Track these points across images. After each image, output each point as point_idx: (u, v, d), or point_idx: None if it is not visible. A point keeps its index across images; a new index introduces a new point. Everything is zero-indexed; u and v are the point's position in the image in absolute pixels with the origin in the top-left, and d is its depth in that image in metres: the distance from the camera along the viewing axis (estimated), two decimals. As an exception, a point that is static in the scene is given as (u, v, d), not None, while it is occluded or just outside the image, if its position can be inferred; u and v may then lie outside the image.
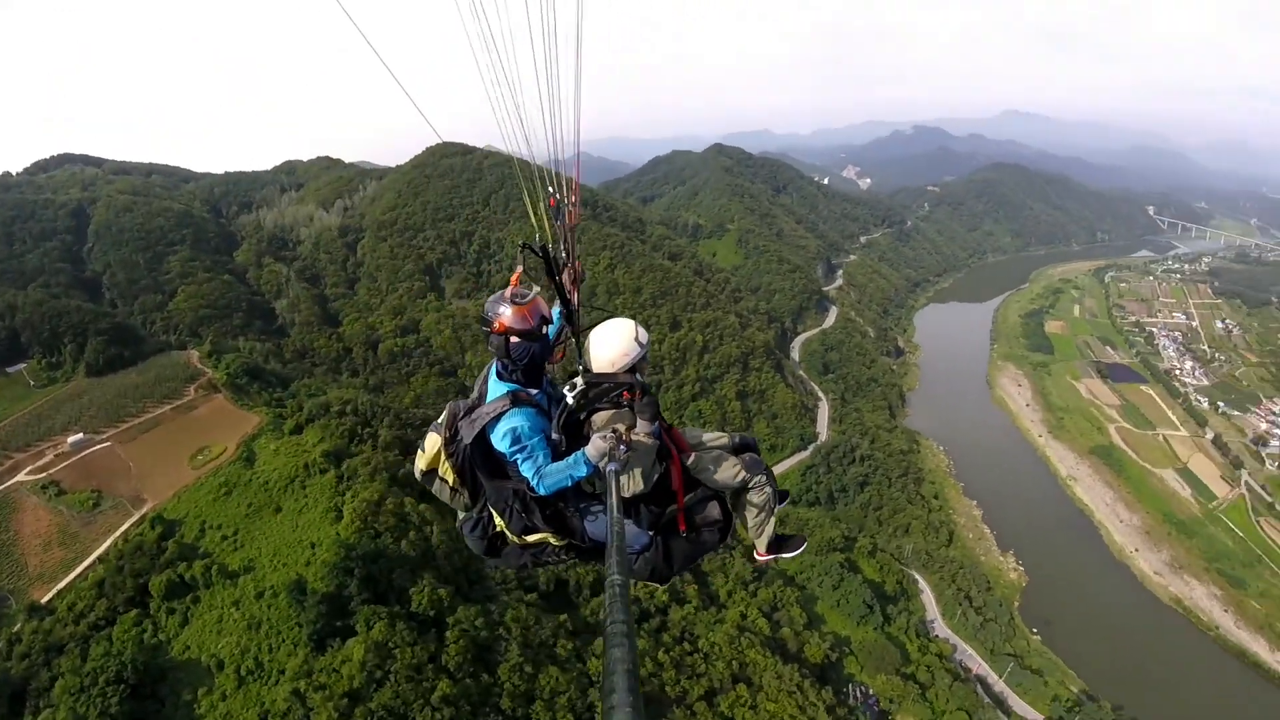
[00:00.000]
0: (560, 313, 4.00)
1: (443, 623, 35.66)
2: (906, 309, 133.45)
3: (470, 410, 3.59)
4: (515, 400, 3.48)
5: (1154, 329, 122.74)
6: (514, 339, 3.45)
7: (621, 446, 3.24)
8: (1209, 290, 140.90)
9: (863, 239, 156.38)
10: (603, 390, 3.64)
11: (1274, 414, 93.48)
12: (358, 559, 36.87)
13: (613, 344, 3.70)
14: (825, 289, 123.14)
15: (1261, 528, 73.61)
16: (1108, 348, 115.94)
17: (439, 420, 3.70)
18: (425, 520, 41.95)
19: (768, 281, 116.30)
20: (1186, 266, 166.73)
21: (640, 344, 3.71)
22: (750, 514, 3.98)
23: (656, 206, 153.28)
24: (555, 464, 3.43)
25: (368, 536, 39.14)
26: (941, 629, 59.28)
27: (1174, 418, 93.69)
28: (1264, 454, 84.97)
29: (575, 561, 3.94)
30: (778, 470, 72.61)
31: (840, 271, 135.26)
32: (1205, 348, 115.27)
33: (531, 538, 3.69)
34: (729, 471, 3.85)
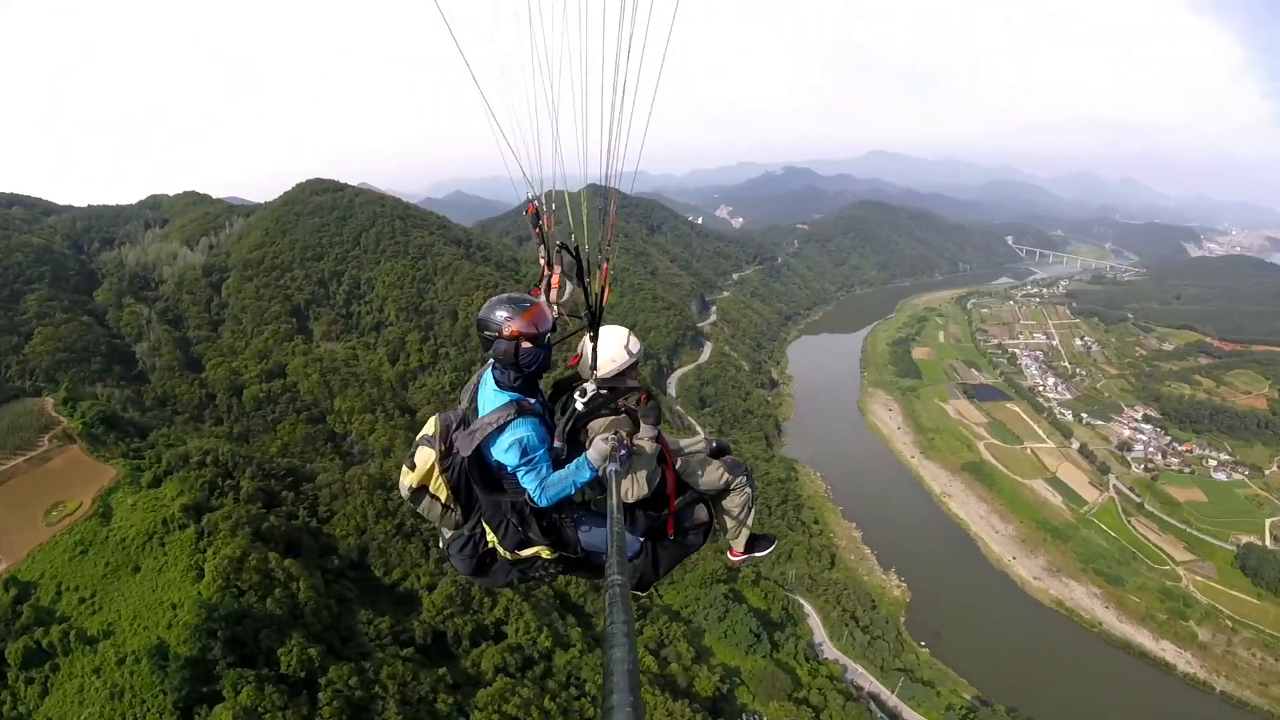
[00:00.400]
0: (585, 315, 3.99)
1: (314, 684, 34.65)
2: (779, 342, 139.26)
3: (462, 422, 3.56)
4: (520, 410, 3.41)
5: (1016, 350, 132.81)
6: (525, 345, 3.41)
7: (623, 450, 3.30)
8: (1067, 311, 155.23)
9: (735, 275, 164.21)
10: (606, 396, 3.70)
11: (1136, 421, 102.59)
12: (221, 619, 35.75)
13: (609, 350, 3.76)
14: (700, 325, 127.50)
15: (1133, 527, 79.37)
16: (973, 370, 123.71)
17: (428, 433, 3.64)
18: (291, 576, 40.60)
19: (643, 319, 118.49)
20: (1045, 290, 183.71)
21: (631, 352, 3.80)
22: (730, 515, 4.12)
23: (532, 246, 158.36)
24: (557, 473, 3.41)
25: (230, 595, 38.04)
26: (830, 651, 60.02)
27: (1040, 431, 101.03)
28: (1129, 458, 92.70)
29: (563, 574, 3.89)
30: (662, 507, 75.36)
31: (714, 307, 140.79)
32: (1066, 364, 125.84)
33: (526, 552, 3.65)
34: (714, 475, 3.96)
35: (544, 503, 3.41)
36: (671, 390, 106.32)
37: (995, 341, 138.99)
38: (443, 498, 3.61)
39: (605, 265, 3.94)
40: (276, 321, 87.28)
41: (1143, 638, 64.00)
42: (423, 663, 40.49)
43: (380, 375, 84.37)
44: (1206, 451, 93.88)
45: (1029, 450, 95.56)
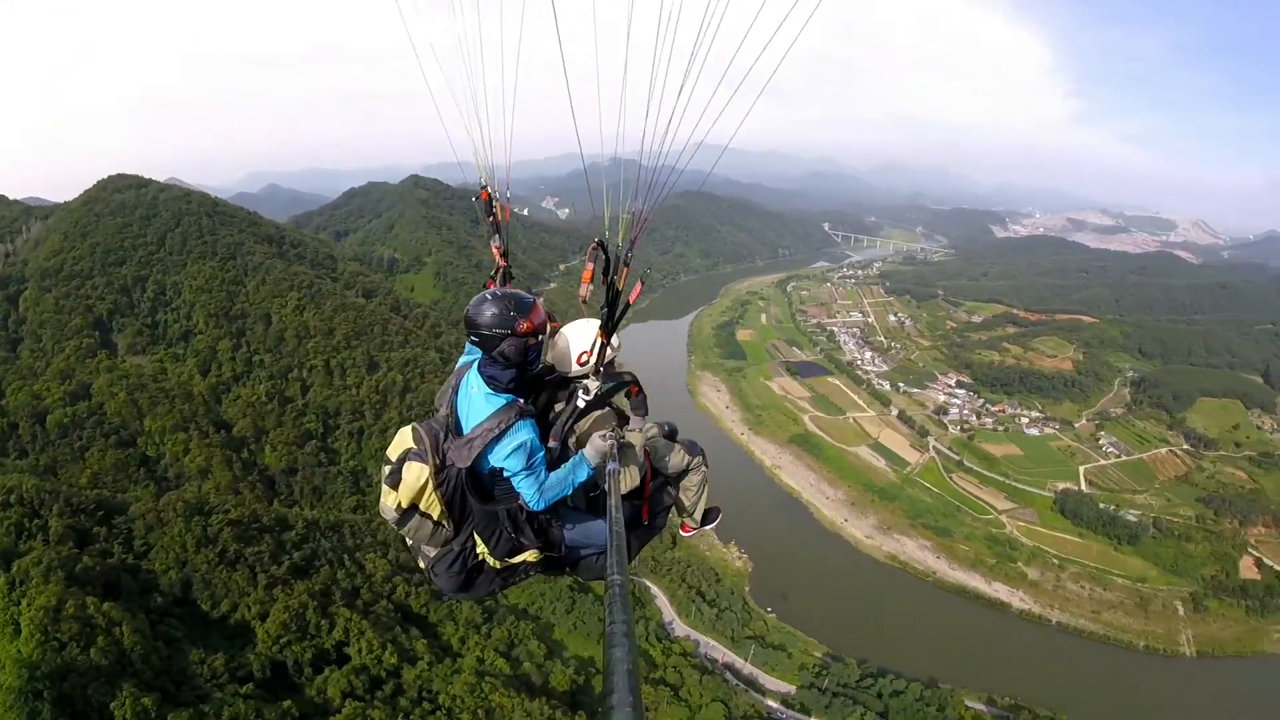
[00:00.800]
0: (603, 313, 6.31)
1: (155, 735, 50.15)
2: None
3: (445, 430, 5.67)
4: (521, 413, 5.59)
5: (834, 328, 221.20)
6: (532, 342, 5.75)
7: (619, 447, 5.68)
8: (881, 290, 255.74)
9: (562, 267, 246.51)
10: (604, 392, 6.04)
11: (950, 387, 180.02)
12: (45, 678, 50.04)
13: (584, 341, 6.29)
14: None
15: (954, 482, 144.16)
16: (795, 348, 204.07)
17: (411, 447, 5.67)
18: (112, 621, 57.60)
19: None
20: (860, 272, 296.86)
21: (613, 346, 6.37)
22: (689, 493, 7.11)
23: (351, 242, 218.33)
24: (554, 475, 5.67)
25: (52, 650, 52.81)
26: (681, 628, 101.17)
27: (861, 401, 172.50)
28: (945, 421, 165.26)
29: (543, 574, 6.46)
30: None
31: (541, 299, 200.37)
32: (882, 339, 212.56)
33: (517, 559, 5.92)
34: (677, 458, 6.85)
35: (540, 506, 5.65)
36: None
37: (815, 321, 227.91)
38: (435, 514, 5.62)
39: (625, 268, 6.64)
40: (78, 336, 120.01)
41: (976, 581, 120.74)
42: (265, 697, 59.56)
43: (191, 389, 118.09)
44: (1018, 410, 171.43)
45: (851, 419, 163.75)
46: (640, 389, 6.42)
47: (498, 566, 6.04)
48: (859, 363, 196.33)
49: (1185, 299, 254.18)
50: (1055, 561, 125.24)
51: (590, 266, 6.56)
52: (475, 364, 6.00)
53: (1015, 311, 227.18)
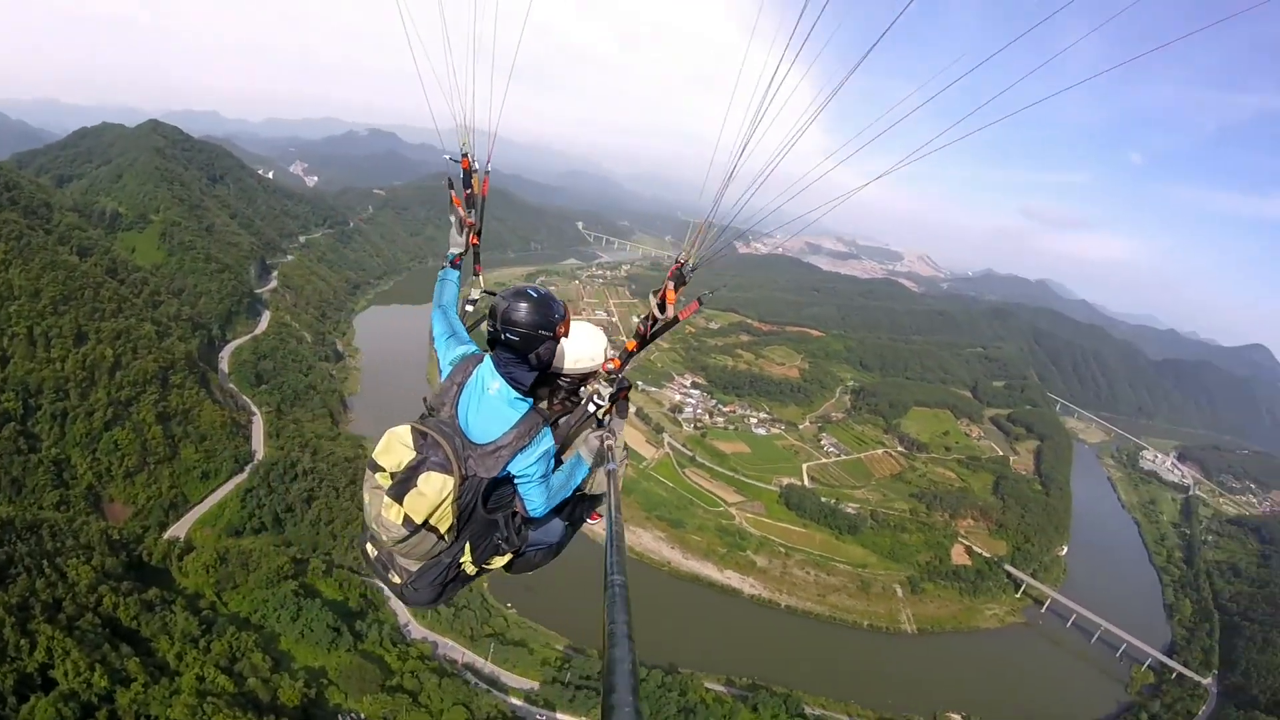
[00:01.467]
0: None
1: None
2: (346, 311, 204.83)
3: (448, 435, 5.49)
4: (544, 418, 5.66)
5: None
6: (559, 346, 5.78)
7: (608, 445, 6.04)
8: (627, 292, 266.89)
9: (302, 238, 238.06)
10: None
11: (685, 387, 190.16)
12: None
13: (598, 348, 6.48)
14: (258, 291, 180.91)
15: (687, 476, 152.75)
16: None
17: (426, 457, 5.37)
18: None
19: (194, 283, 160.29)
20: (609, 273, 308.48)
21: (607, 353, 6.50)
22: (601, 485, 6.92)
23: (74, 189, 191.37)
24: (556, 478, 5.76)
25: None
26: (418, 630, 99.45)
27: None
28: (680, 419, 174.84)
29: (507, 572, 6.50)
30: (215, 498, 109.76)
31: (275, 273, 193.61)
32: (624, 339, 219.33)
33: (491, 563, 5.95)
34: (619, 451, 6.77)
35: (543, 512, 5.72)
36: (224, 366, 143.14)
37: None
38: (444, 528, 5.35)
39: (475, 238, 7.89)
40: None
41: (709, 570, 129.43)
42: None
43: None
44: (748, 411, 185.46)
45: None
46: (626, 392, 6.57)
47: (472, 573, 5.89)
48: None
49: (906, 322, 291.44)
50: (782, 550, 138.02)
51: (670, 284, 6.24)
52: (484, 362, 5.83)
53: (750, 321, 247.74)
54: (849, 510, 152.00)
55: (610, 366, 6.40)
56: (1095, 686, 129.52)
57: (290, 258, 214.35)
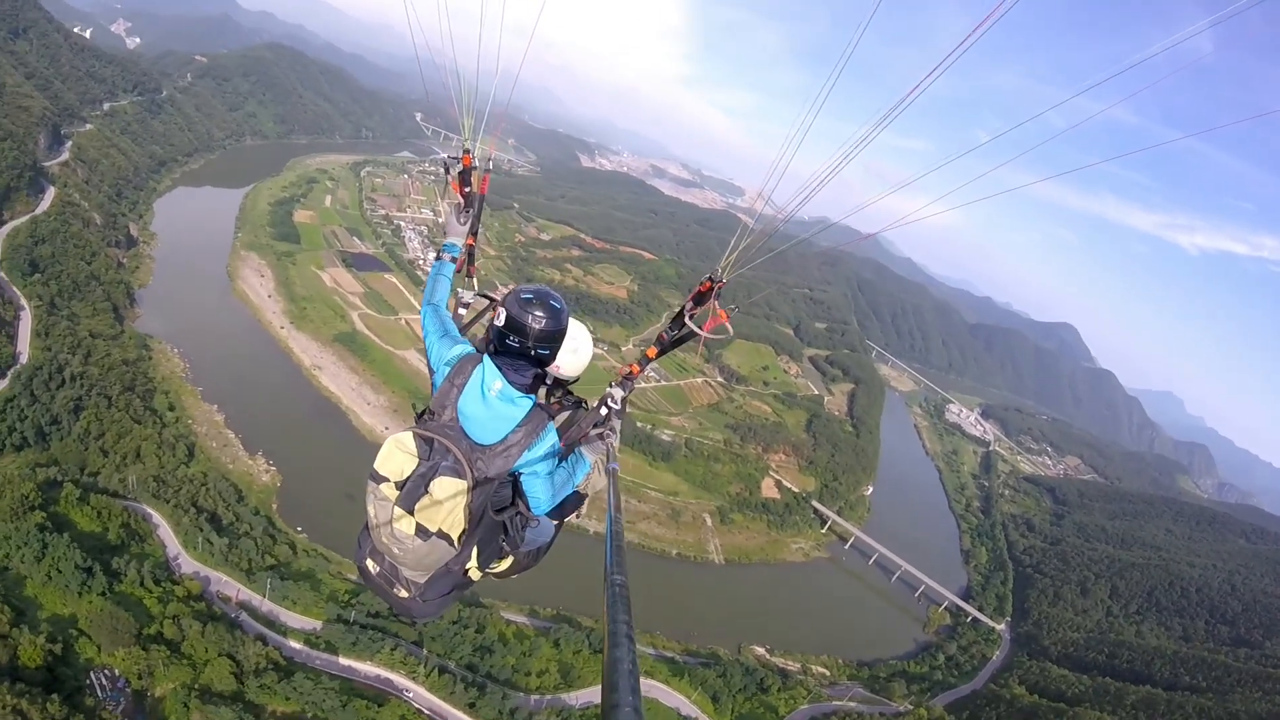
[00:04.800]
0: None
1: None
2: (148, 191, 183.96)
3: (455, 439, 5.43)
4: (549, 415, 5.73)
5: (401, 222, 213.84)
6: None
7: (604, 446, 6.36)
8: None
9: (107, 105, 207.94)
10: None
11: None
12: None
13: (590, 348, 6.50)
14: (45, 164, 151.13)
15: None
16: (355, 238, 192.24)
17: (433, 464, 5.28)
18: None
19: None
20: (441, 170, 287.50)
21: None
22: None
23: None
24: (560, 474, 5.85)
25: None
26: (188, 563, 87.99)
27: (415, 303, 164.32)
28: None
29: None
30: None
31: (69, 144, 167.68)
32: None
33: (494, 567, 5.92)
34: None
35: (546, 509, 5.77)
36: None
37: (383, 212, 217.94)
38: (456, 534, 5.25)
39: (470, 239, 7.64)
40: None
41: None
42: None
43: None
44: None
45: (404, 321, 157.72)
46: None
47: (476, 578, 5.85)
48: (421, 263, 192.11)
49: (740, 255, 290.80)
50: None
51: (715, 303, 6.68)
52: (483, 362, 5.67)
53: (583, 237, 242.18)
54: (664, 437, 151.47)
55: (629, 371, 7.05)
56: (895, 624, 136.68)
57: (89, 126, 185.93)
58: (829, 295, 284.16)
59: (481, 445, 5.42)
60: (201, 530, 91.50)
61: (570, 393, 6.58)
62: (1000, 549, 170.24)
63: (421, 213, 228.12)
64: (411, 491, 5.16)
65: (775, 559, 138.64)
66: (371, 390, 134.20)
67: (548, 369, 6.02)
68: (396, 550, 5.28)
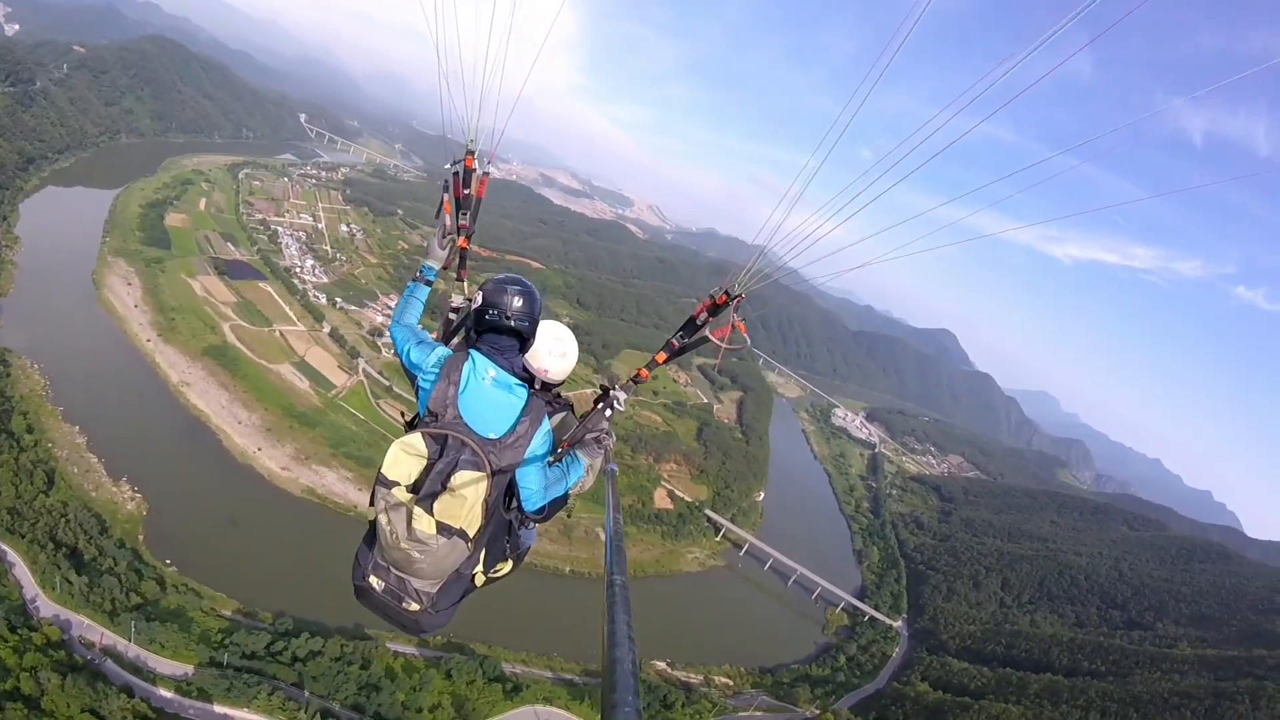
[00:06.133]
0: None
1: None
2: (14, 191, 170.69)
3: (467, 433, 5.37)
4: (547, 401, 5.88)
5: (280, 228, 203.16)
6: None
7: (601, 449, 6.40)
8: (340, 197, 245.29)
9: None
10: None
11: (389, 307, 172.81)
12: None
13: (573, 355, 6.60)
14: None
15: (381, 408, 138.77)
16: (229, 244, 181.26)
17: (451, 460, 5.22)
18: None
19: None
20: (324, 174, 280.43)
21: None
22: None
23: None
24: (552, 471, 5.90)
25: None
26: (47, 606, 79.56)
27: (292, 313, 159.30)
28: (380, 343, 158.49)
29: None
30: None
31: None
32: (328, 248, 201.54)
33: (497, 571, 5.96)
34: None
35: (538, 504, 5.78)
36: None
37: (260, 217, 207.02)
38: (473, 531, 5.21)
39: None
40: None
41: None
42: None
43: None
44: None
45: (279, 333, 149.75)
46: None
47: (480, 584, 5.89)
48: (299, 270, 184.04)
49: (628, 265, 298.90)
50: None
51: (735, 316, 6.70)
52: (471, 357, 5.76)
53: (469, 245, 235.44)
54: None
55: (636, 375, 7.10)
56: (794, 628, 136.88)
57: None
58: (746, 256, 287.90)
59: (490, 439, 5.37)
60: (59, 568, 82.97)
61: (559, 396, 6.43)
62: (892, 547, 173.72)
63: (301, 218, 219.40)
64: (430, 488, 5.08)
65: (671, 570, 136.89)
66: (243, 408, 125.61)
67: (536, 374, 6.14)
68: (416, 555, 5.19)
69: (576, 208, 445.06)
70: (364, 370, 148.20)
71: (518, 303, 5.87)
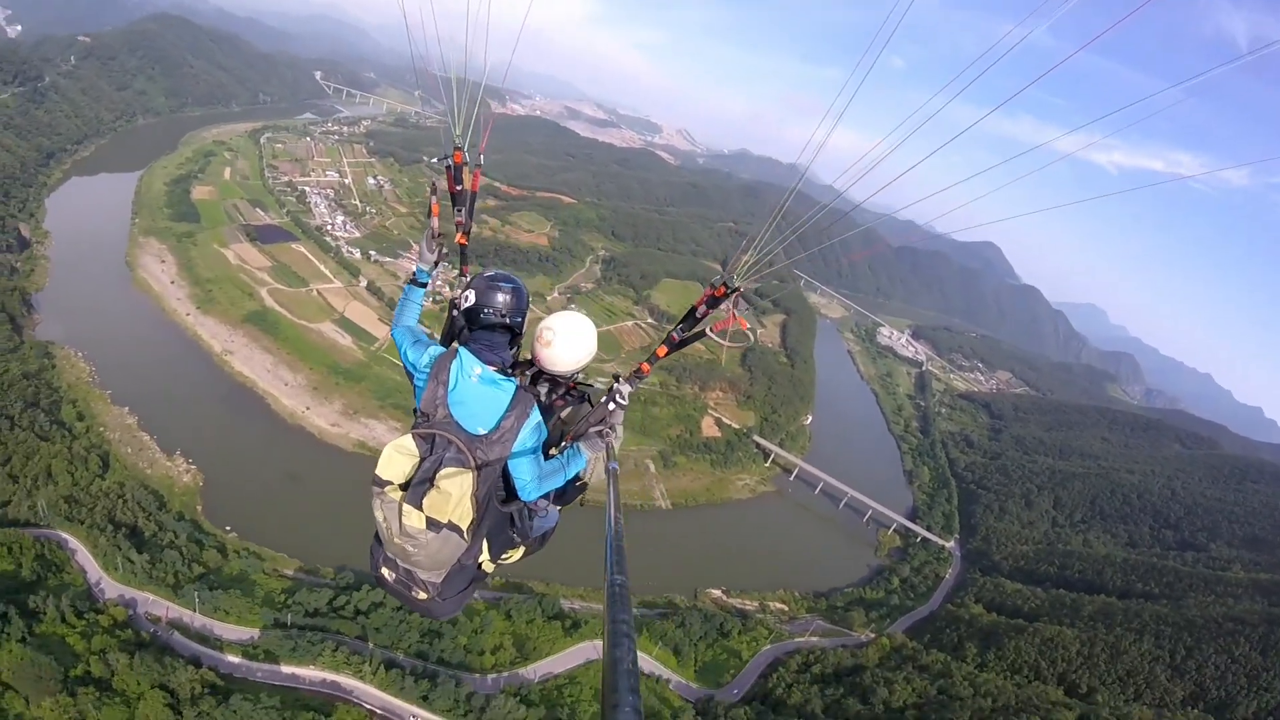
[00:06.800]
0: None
1: None
2: (38, 187, 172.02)
3: (454, 431, 5.54)
4: (534, 397, 5.97)
5: (307, 187, 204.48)
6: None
7: (604, 444, 6.43)
8: (365, 150, 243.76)
9: None
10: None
11: None
12: None
13: (593, 343, 6.81)
14: None
15: None
16: (258, 209, 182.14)
17: (437, 458, 5.42)
18: None
19: None
20: (346, 129, 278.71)
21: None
22: None
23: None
24: (549, 463, 6.00)
25: None
26: (111, 587, 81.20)
27: (327, 271, 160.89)
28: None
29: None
30: None
31: None
32: (357, 202, 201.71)
33: (506, 559, 6.27)
34: None
35: (534, 495, 5.93)
36: None
37: (286, 179, 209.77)
38: (465, 525, 5.39)
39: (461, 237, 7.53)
40: None
41: None
42: None
43: None
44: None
45: (316, 292, 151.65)
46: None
47: (490, 570, 6.16)
48: (330, 228, 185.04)
49: (660, 193, 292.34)
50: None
51: (731, 307, 6.75)
52: (459, 354, 5.92)
53: (498, 185, 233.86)
54: (597, 385, 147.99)
55: (639, 368, 7.11)
56: (847, 551, 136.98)
57: None
58: (754, 227, 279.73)
59: (478, 435, 5.55)
60: (120, 549, 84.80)
61: (574, 388, 6.89)
62: (942, 467, 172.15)
63: (327, 175, 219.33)
64: (418, 486, 5.28)
65: (722, 499, 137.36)
66: (288, 369, 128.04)
67: (546, 367, 6.59)
68: (411, 549, 5.39)
69: (604, 138, 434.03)
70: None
71: (505, 299, 6.21)
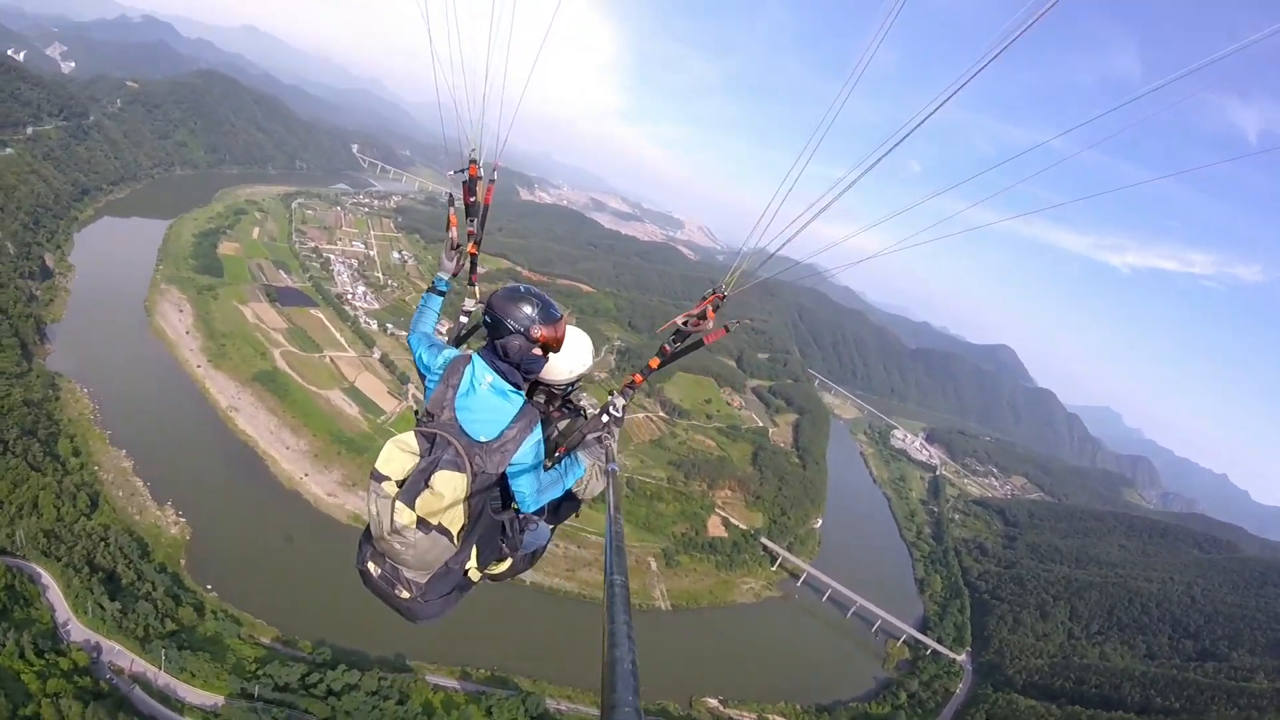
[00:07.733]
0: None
1: None
2: (68, 221, 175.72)
3: (456, 435, 5.51)
4: (541, 411, 6.26)
5: (331, 255, 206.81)
6: (536, 352, 5.93)
7: (602, 449, 6.59)
8: (392, 225, 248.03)
9: (30, 129, 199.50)
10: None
11: (441, 333, 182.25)
12: None
13: (588, 356, 6.96)
14: None
15: None
16: (281, 271, 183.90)
17: (434, 459, 5.35)
18: None
19: None
20: (376, 202, 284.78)
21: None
22: None
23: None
24: (548, 475, 6.00)
25: None
26: (79, 630, 78.00)
27: (342, 339, 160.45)
28: None
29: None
30: None
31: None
32: (379, 275, 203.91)
33: (494, 568, 6.25)
34: None
35: (534, 507, 5.93)
36: None
37: (312, 245, 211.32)
38: (456, 529, 5.36)
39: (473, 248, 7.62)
40: None
41: None
42: None
43: None
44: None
45: (329, 359, 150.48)
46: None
47: (475, 579, 6.02)
48: (350, 297, 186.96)
49: (679, 287, 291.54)
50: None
51: (709, 309, 7.03)
52: (473, 361, 5.94)
53: (520, 269, 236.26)
54: (589, 409, 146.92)
55: (632, 380, 7.32)
56: (853, 662, 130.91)
57: (10, 151, 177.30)
58: (769, 324, 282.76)
59: (479, 442, 5.54)
60: (92, 593, 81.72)
61: (570, 401, 7.10)
62: (955, 575, 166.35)
63: (353, 245, 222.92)
64: (413, 485, 5.25)
65: (725, 601, 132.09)
66: (291, 433, 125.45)
67: (543, 376, 6.58)
68: (399, 546, 5.34)
69: (627, 231, 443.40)
70: (414, 396, 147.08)
71: (500, 302, 5.89)
